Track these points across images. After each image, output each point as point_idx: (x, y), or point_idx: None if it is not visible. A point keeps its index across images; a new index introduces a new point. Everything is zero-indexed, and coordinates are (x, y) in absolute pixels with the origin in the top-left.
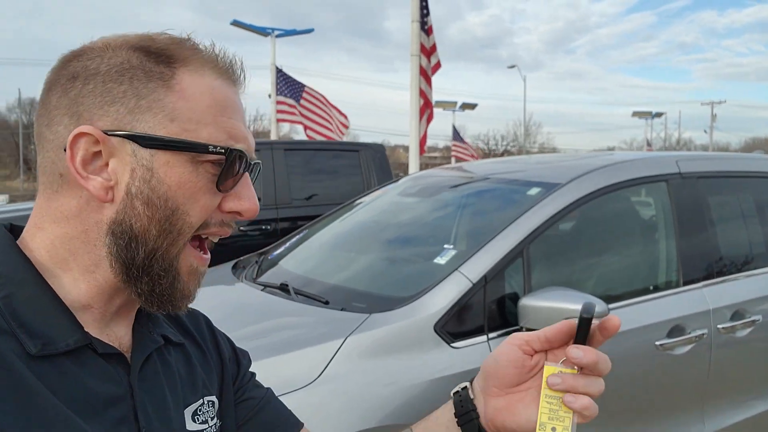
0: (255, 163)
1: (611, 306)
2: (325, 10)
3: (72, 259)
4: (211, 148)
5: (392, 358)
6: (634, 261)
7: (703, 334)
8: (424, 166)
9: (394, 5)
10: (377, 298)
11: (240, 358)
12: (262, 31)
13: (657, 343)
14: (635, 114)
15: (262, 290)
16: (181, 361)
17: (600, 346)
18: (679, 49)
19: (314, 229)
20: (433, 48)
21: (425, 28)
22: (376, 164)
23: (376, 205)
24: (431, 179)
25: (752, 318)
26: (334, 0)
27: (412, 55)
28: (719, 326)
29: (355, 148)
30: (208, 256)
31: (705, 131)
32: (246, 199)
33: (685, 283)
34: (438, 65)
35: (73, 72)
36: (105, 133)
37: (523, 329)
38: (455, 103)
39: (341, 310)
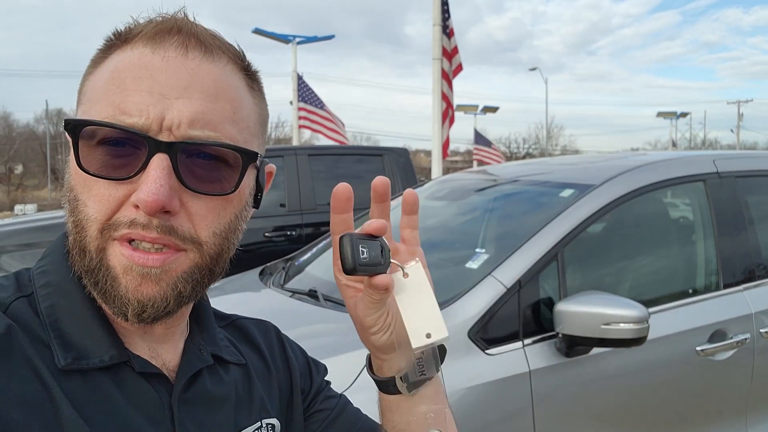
0: (167, 143)
1: (650, 310)
2: (348, 17)
3: None
4: (65, 125)
5: None
6: (672, 263)
7: (745, 339)
8: (445, 170)
9: (414, 10)
10: None
11: (313, 372)
12: (284, 39)
13: (698, 348)
14: (660, 114)
15: (290, 296)
16: (240, 381)
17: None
18: (704, 48)
19: None
20: (455, 51)
21: (447, 31)
22: (401, 168)
23: None
24: (459, 182)
25: None
26: (356, 7)
27: (434, 59)
28: (762, 330)
29: (379, 152)
30: (152, 255)
31: (732, 130)
32: (142, 188)
33: (726, 286)
34: (460, 67)
35: None
36: None
37: (560, 335)
38: (476, 106)
39: None
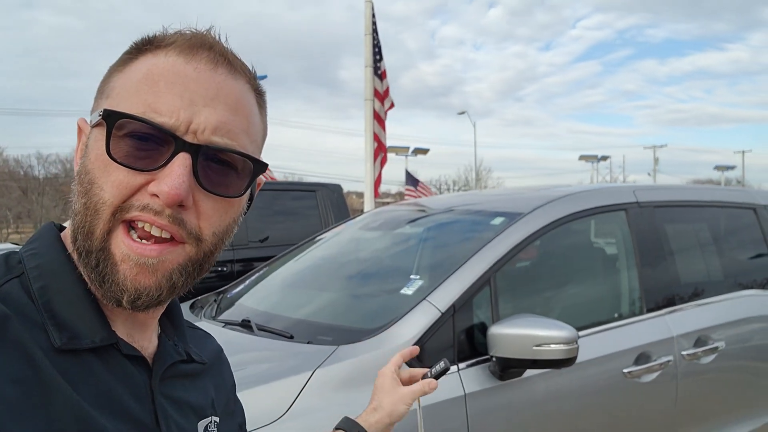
0: (192, 144)
1: (579, 334)
2: (283, 61)
3: None
4: (98, 116)
5: (363, 390)
6: (597, 289)
7: (668, 361)
8: None
9: (349, 55)
10: (344, 330)
11: (234, 405)
12: None
13: (625, 370)
14: (582, 158)
15: (222, 327)
16: (200, 379)
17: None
18: (623, 96)
19: (274, 267)
20: (387, 92)
21: (378, 73)
22: (334, 204)
23: (338, 240)
24: (393, 213)
25: (715, 344)
26: (292, 51)
27: (366, 99)
28: (683, 353)
29: (312, 188)
30: (149, 246)
31: (648, 174)
32: (164, 180)
33: (649, 311)
34: (392, 106)
35: None
36: (86, 123)
37: (493, 359)
38: (408, 148)
39: (307, 343)
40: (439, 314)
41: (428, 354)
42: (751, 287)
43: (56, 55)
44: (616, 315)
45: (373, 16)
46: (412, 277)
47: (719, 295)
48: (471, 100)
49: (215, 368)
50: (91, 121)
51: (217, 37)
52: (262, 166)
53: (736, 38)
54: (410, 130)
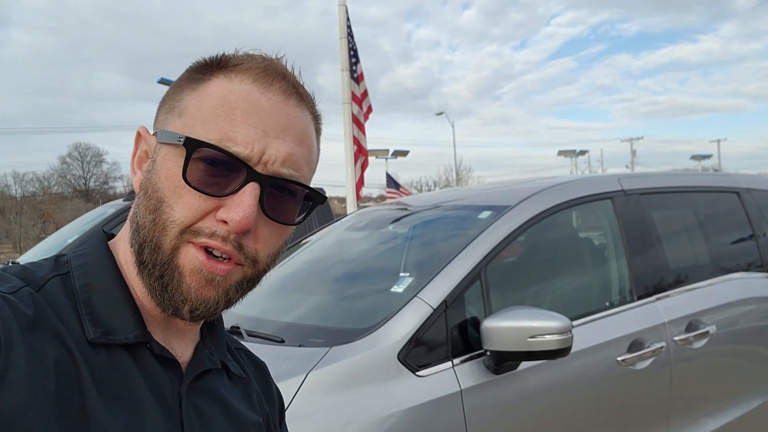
0: (263, 175)
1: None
2: None
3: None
4: (175, 138)
5: (358, 391)
6: (587, 278)
7: (661, 348)
8: None
9: (326, 61)
10: (335, 331)
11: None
12: None
13: (619, 358)
14: (560, 153)
15: None
16: (239, 395)
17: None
18: (599, 91)
19: None
20: (365, 94)
21: (355, 76)
22: (318, 211)
23: (325, 242)
24: (379, 213)
25: (706, 329)
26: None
27: (344, 103)
28: (675, 338)
29: None
30: (220, 265)
31: (626, 166)
32: (234, 208)
33: (639, 298)
34: (370, 109)
35: None
36: (149, 133)
37: (488, 353)
38: (387, 150)
39: (299, 346)
40: (431, 310)
41: (422, 350)
42: (738, 270)
43: (31, 72)
44: (607, 303)
45: (348, 19)
46: (401, 274)
47: (707, 279)
48: (449, 101)
49: (261, 391)
50: (156, 134)
51: (287, 66)
52: (321, 198)
53: (707, 29)
54: (389, 133)
